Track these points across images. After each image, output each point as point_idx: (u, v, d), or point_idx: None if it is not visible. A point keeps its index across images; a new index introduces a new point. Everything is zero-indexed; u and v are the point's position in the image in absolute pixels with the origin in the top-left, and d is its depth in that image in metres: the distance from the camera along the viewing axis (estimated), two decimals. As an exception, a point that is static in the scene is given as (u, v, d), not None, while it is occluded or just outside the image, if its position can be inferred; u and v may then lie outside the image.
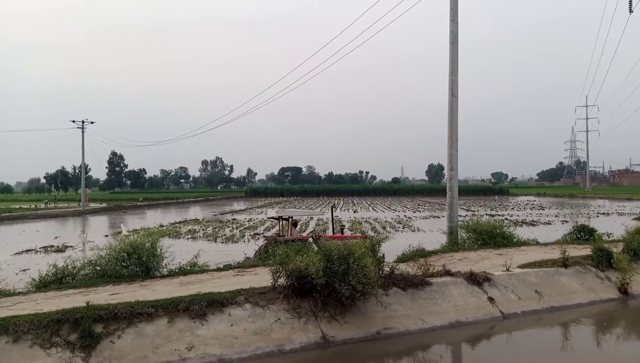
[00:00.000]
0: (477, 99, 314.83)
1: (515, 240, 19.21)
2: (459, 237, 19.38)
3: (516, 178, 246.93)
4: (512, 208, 62.88)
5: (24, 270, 18.23)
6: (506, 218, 42.28)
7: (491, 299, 11.96)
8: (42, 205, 70.58)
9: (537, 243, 19.29)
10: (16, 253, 24.18)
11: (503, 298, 12.12)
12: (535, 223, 39.34)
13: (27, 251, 25.09)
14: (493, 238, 18.40)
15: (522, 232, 23.77)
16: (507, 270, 13.31)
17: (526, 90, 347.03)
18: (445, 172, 25.31)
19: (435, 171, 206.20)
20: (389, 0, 23.98)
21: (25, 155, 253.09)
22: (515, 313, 11.78)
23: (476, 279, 12.29)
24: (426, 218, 46.93)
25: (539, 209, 60.45)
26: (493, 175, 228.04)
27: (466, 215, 42.48)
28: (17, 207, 65.54)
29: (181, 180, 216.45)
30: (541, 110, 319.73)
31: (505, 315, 11.64)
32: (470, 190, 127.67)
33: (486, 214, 49.11)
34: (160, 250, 13.36)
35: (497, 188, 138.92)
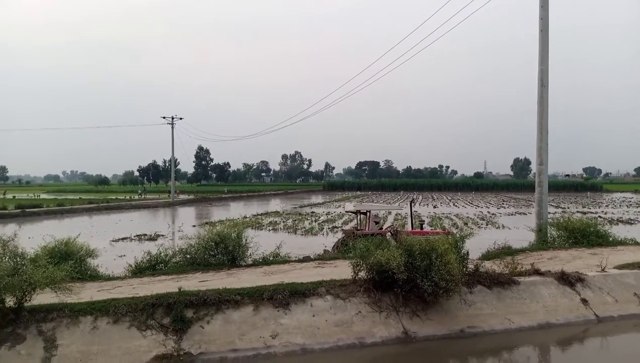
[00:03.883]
0: (570, 89, 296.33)
1: (610, 239, 17.95)
2: (549, 235, 18.40)
3: (610, 173, 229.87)
4: (606, 206, 58.69)
5: (121, 256, 19.57)
6: (599, 216, 39.60)
7: (584, 301, 11.29)
8: (137, 197, 75.44)
9: (636, 243, 17.90)
10: (113, 241, 26.06)
11: (597, 300, 11.41)
12: (632, 221, 36.52)
13: (123, 239, 26.97)
14: (586, 236, 17.34)
15: (618, 231, 22.10)
16: (602, 270, 12.51)
17: (623, 81, 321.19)
18: (533, 166, 24.10)
19: (521, 165, 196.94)
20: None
21: (120, 150, 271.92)
22: (611, 317, 11.05)
23: (568, 279, 11.65)
24: (511, 214, 45.02)
25: (637, 207, 55.96)
26: (585, 170, 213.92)
27: (555, 212, 40.24)
28: (114, 197, 70.40)
29: (262, 174, 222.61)
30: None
31: (599, 318, 10.95)
32: (560, 186, 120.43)
33: (577, 211, 46.26)
34: (245, 240, 13.84)
35: (590, 184, 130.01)
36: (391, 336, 9.52)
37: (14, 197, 70.61)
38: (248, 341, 8.80)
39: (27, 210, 44.64)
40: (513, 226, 32.97)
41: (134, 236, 27.97)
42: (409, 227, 23.83)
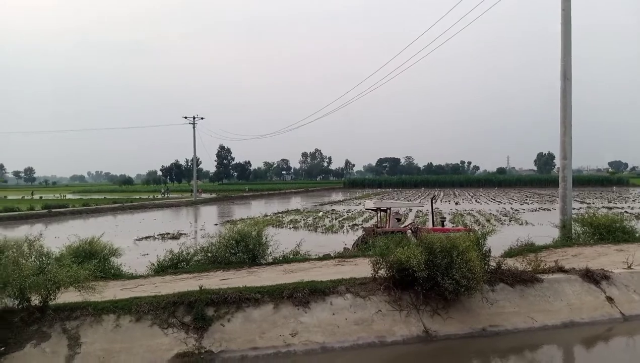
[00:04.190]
0: (594, 84, 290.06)
1: (637, 235, 17.55)
2: (573, 231, 18.05)
3: (637, 167, 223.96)
4: (633, 200, 57.40)
5: (144, 254, 19.85)
6: (626, 211, 38.71)
7: (610, 299, 11.05)
8: (160, 196, 76.41)
9: (665, 240, 17.43)
10: (137, 240, 26.45)
11: (624, 298, 11.16)
12: (661, 217, 35.61)
13: (146, 238, 27.36)
14: (612, 232, 16.97)
15: (646, 227, 21.60)
16: (629, 267, 12.23)
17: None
18: (557, 161, 23.64)
19: (544, 160, 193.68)
20: (494, -18, 22.68)
21: (143, 150, 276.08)
22: (638, 316, 10.80)
23: (593, 277, 11.42)
24: (535, 210, 44.36)
25: (666, 202, 54.61)
26: (611, 164, 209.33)
27: (580, 208, 39.49)
28: (137, 197, 71.46)
29: (283, 172, 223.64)
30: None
31: (626, 316, 10.71)
32: (585, 181, 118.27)
33: (603, 207, 45.27)
34: (266, 238, 13.88)
35: (616, 178, 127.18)
36: (412, 335, 9.45)
37: (40, 197, 72.26)
38: (268, 339, 8.83)
39: (53, 210, 45.59)
40: (536, 222, 32.47)
41: (157, 235, 28.33)
42: (429, 224, 23.67)
